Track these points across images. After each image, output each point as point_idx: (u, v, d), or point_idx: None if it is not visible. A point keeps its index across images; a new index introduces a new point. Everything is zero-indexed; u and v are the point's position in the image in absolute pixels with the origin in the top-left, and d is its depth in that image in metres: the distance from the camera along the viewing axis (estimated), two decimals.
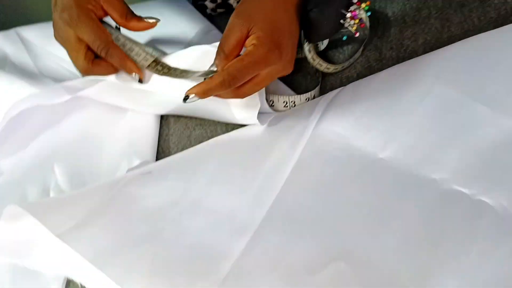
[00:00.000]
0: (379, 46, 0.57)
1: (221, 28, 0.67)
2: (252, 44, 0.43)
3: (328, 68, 0.55)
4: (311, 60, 0.55)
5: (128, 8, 0.49)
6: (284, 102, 0.54)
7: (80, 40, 0.47)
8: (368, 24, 0.57)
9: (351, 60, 0.56)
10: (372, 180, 0.45)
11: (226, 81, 0.42)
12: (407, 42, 0.56)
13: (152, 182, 0.51)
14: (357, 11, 0.49)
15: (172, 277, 0.44)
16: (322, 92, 0.55)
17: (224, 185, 0.49)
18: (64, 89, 0.53)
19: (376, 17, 0.60)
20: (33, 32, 0.68)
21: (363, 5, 0.49)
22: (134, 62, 0.49)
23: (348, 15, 0.48)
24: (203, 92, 0.44)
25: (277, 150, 0.50)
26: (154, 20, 0.49)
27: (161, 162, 0.53)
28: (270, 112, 0.54)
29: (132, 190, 0.50)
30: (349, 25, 0.49)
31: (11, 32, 0.69)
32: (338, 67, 0.55)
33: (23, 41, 0.67)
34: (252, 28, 0.43)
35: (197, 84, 0.44)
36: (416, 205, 0.42)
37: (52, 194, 0.54)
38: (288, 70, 0.47)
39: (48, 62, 0.65)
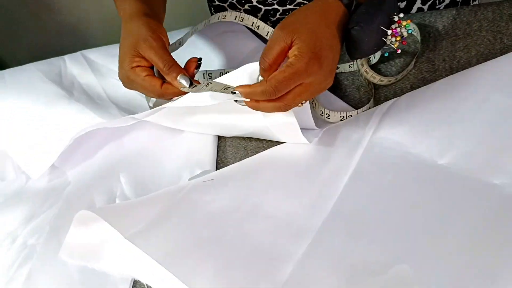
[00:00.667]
0: (432, 58, 0.58)
1: None
2: (294, 55, 0.45)
3: (381, 81, 0.56)
4: (364, 73, 0.57)
5: (167, 59, 0.53)
6: (341, 116, 0.56)
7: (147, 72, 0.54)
8: (419, 37, 0.58)
9: (404, 73, 0.57)
10: (432, 186, 0.45)
11: (268, 91, 0.45)
12: (459, 54, 0.57)
13: (213, 189, 0.53)
14: (398, 29, 0.50)
15: (235, 277, 0.45)
16: (376, 103, 0.57)
17: (281, 192, 0.51)
18: (130, 119, 0.58)
19: (427, 31, 0.61)
20: (97, 53, 0.74)
21: (404, 23, 0.50)
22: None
23: (389, 32, 0.50)
24: (246, 93, 0.46)
25: (334, 158, 0.51)
26: (185, 90, 0.53)
27: (221, 171, 0.56)
28: (322, 125, 0.56)
29: (195, 196, 0.52)
30: (391, 42, 0.50)
31: (77, 54, 0.75)
32: (392, 79, 0.57)
33: (88, 62, 0.72)
34: (295, 39, 0.45)
35: (244, 85, 0.47)
36: (478, 209, 0.43)
37: (118, 202, 0.58)
38: (329, 82, 0.48)
39: (112, 80, 0.69)
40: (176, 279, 0.45)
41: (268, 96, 0.45)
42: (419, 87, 0.56)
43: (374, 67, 0.60)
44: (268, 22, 0.74)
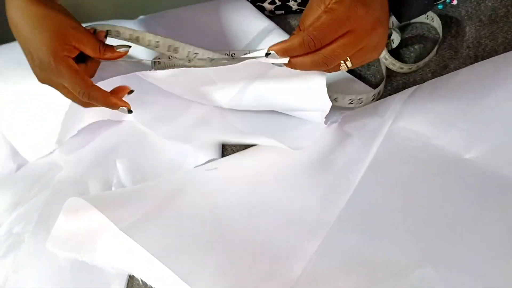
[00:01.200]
0: (454, 44, 0.54)
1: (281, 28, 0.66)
2: (333, 3, 0.38)
3: (401, 68, 0.52)
4: (383, 60, 0.53)
5: (100, 41, 0.48)
6: (350, 100, 0.52)
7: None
8: (440, 23, 0.54)
9: (426, 60, 0.53)
10: (458, 181, 0.42)
11: (306, 40, 0.38)
12: (485, 41, 0.53)
13: (217, 179, 0.49)
14: None
15: (240, 275, 0.41)
16: (395, 90, 0.52)
17: (292, 183, 0.47)
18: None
19: (449, 16, 0.57)
20: None
21: None
22: (118, 98, 0.48)
23: None
24: (282, 51, 0.39)
25: (349, 148, 0.48)
26: (125, 49, 0.48)
27: (226, 159, 0.52)
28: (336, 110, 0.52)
29: (197, 187, 0.48)
30: None
31: None
32: (413, 67, 0.53)
33: None
34: None
35: (278, 42, 0.40)
36: (509, 207, 0.39)
37: (114, 190, 0.53)
38: (380, 34, 0.40)
39: None
40: (175, 275, 0.41)
41: (306, 47, 0.38)
42: (441, 75, 0.52)
43: (393, 53, 0.55)
44: (277, 0, 0.70)
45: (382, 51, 0.42)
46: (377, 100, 0.52)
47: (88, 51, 0.47)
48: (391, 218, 0.42)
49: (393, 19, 0.54)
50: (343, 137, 0.48)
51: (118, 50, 0.48)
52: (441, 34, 0.54)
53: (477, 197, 0.40)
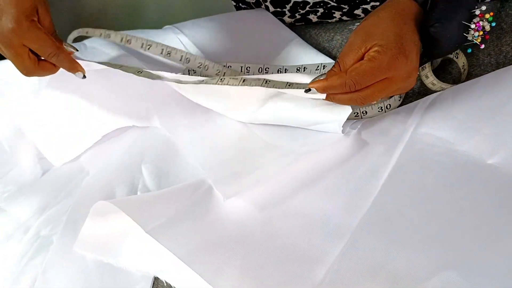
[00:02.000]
0: (476, 52, 0.55)
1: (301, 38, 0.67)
2: (376, 50, 0.41)
3: (442, 88, 0.52)
4: (423, 78, 0.52)
5: (54, 35, 0.49)
6: (379, 108, 0.52)
7: (23, 45, 0.47)
8: (465, 60, 0.54)
9: (463, 77, 0.53)
10: (482, 187, 0.42)
11: (348, 84, 0.42)
12: (506, 48, 0.53)
13: None
14: (480, 23, 0.46)
15: (263, 278, 0.42)
16: (417, 97, 0.53)
17: (315, 188, 0.48)
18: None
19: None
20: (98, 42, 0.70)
21: (487, 15, 0.46)
22: (79, 63, 0.50)
23: (472, 26, 0.46)
24: (323, 88, 0.43)
25: (372, 154, 0.48)
26: (71, 49, 0.50)
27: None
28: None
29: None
30: (473, 37, 0.46)
31: (95, 38, 0.71)
32: (448, 87, 0.52)
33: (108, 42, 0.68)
34: (374, 42, 0.42)
35: (319, 80, 0.43)
36: None
37: (139, 194, 0.54)
38: (413, 80, 0.44)
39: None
40: (199, 277, 0.42)
41: (347, 89, 0.42)
42: (463, 81, 0.52)
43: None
44: (297, 15, 0.71)
45: (412, 87, 0.46)
46: (399, 106, 0.53)
47: (49, 30, 0.48)
48: (414, 223, 0.42)
49: None
50: (365, 143, 0.49)
51: (65, 46, 0.49)
52: (464, 70, 0.53)
53: (501, 202, 0.40)
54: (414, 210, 0.43)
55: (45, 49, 0.48)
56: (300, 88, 0.44)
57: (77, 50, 0.50)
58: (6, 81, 0.62)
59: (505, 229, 0.38)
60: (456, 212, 0.41)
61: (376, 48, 0.41)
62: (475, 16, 0.46)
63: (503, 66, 0.52)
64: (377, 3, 0.64)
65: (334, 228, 0.44)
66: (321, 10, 0.69)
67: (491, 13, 0.46)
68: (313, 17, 0.70)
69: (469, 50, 0.49)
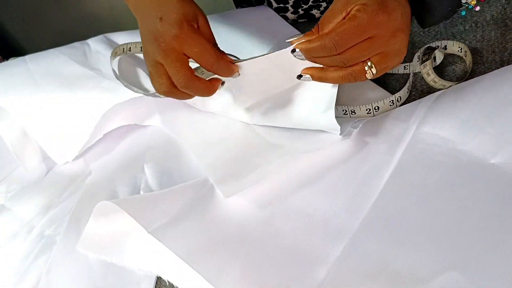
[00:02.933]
0: (480, 49, 0.54)
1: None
2: (356, 9, 0.39)
3: (444, 86, 0.51)
4: (425, 76, 0.51)
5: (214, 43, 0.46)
6: (367, 109, 0.52)
7: (184, 54, 0.44)
8: (471, 59, 0.53)
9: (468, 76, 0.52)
10: (485, 186, 0.41)
11: (327, 45, 0.39)
12: (510, 45, 0.53)
13: None
14: None
15: (264, 278, 0.42)
16: (420, 95, 0.52)
17: (316, 188, 0.47)
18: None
19: (474, 20, 0.57)
20: (121, 36, 0.70)
21: None
22: (235, 65, 0.46)
23: None
24: (305, 49, 0.41)
25: (373, 154, 0.48)
26: (233, 58, 0.46)
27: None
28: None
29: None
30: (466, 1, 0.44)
31: (100, 36, 0.71)
32: (452, 85, 0.51)
33: (111, 43, 0.69)
34: (354, 5, 0.39)
35: (302, 42, 0.41)
36: None
37: (142, 193, 0.55)
38: (399, 43, 0.41)
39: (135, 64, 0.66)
40: (201, 277, 0.42)
41: (327, 51, 0.40)
42: (466, 79, 0.51)
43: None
44: (300, 10, 0.71)
45: (403, 57, 0.42)
46: (399, 106, 0.52)
47: (204, 33, 0.45)
48: (416, 223, 0.41)
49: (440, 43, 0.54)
50: (367, 143, 0.49)
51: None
52: (469, 69, 0.53)
53: (504, 202, 0.40)
54: (416, 210, 0.43)
55: (206, 55, 0.44)
56: (287, 50, 0.42)
57: (238, 58, 0.47)
58: (7, 82, 0.63)
59: (508, 229, 0.38)
60: (459, 212, 0.41)
61: (356, 7, 0.39)
62: None
63: (508, 64, 0.51)
64: None
65: (336, 228, 0.44)
66: (324, 4, 0.68)
67: None
68: (316, 12, 0.69)
69: (463, 13, 0.46)
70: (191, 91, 0.46)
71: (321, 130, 0.50)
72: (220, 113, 0.57)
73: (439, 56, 0.53)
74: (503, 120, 0.44)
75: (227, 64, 0.45)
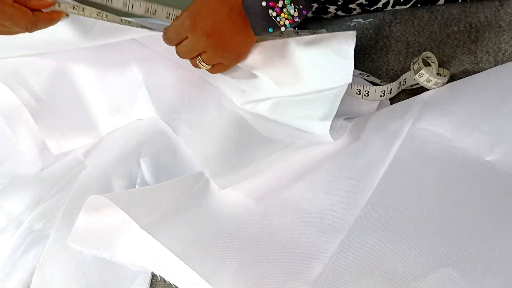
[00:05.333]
0: (474, 49, 0.54)
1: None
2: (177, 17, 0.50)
3: (437, 83, 0.51)
4: (417, 77, 0.51)
5: None
6: (382, 91, 0.53)
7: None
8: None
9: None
10: (480, 183, 0.42)
11: (166, 38, 0.51)
12: (505, 46, 0.53)
13: None
14: (280, 3, 0.47)
15: (260, 274, 0.41)
16: (414, 93, 0.53)
17: (312, 183, 0.47)
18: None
19: (468, 21, 0.57)
20: None
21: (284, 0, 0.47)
22: (56, 14, 0.49)
23: (270, 6, 0.47)
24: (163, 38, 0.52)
25: (369, 149, 0.48)
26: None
27: None
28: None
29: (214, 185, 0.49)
30: (275, 18, 0.47)
31: None
32: (445, 80, 0.51)
33: None
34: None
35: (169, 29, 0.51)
36: None
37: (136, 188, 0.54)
38: (214, 44, 0.49)
39: None
40: (195, 274, 0.41)
41: (167, 42, 0.52)
42: (460, 78, 0.52)
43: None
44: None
45: (236, 57, 0.52)
46: (389, 100, 0.53)
47: None
48: (411, 220, 0.42)
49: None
50: (363, 139, 0.49)
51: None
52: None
53: (499, 199, 0.40)
54: (412, 206, 0.43)
55: (20, 25, 0.46)
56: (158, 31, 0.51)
57: (67, 15, 0.49)
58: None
59: (504, 226, 0.38)
60: (454, 208, 0.41)
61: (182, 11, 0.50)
62: None
63: (502, 64, 0.51)
64: None
65: (331, 224, 0.44)
66: (315, 4, 0.68)
67: None
68: (355, 6, 0.68)
69: (271, 30, 0.48)
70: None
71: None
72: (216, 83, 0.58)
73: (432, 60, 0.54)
74: (498, 118, 0.44)
75: (46, 20, 0.48)
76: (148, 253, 0.46)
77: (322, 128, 0.48)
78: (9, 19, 0.46)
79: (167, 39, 0.51)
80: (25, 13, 0.46)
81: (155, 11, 0.53)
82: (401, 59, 0.57)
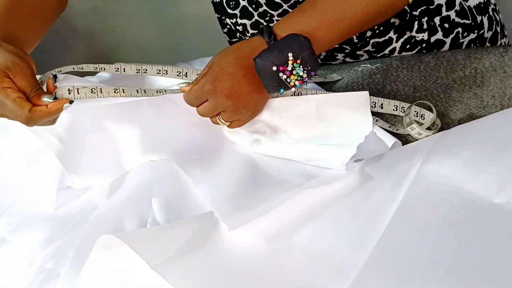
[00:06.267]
0: (480, 94, 0.56)
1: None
2: (198, 77, 0.54)
3: (427, 135, 0.53)
4: (409, 130, 0.54)
5: (35, 85, 0.51)
6: (394, 106, 0.57)
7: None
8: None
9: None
10: (488, 226, 0.42)
11: (185, 99, 0.55)
12: (510, 91, 0.55)
13: None
14: (288, 67, 0.51)
15: None
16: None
17: (320, 224, 0.48)
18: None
19: (473, 67, 0.59)
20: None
21: (298, 61, 0.50)
22: (57, 104, 0.51)
23: (281, 69, 0.51)
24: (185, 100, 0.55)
25: (378, 190, 0.48)
26: (48, 100, 0.51)
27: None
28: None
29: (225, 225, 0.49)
30: (285, 79, 0.51)
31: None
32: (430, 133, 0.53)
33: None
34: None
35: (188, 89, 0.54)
36: None
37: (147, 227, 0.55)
38: (232, 104, 0.53)
39: None
40: None
41: (189, 104, 0.55)
42: (467, 122, 0.53)
43: None
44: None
45: (253, 113, 0.56)
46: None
47: (24, 90, 0.50)
48: (421, 263, 0.41)
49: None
50: (371, 179, 0.49)
51: (43, 99, 0.50)
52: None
53: (507, 241, 0.40)
54: (421, 248, 0.43)
55: (15, 117, 0.50)
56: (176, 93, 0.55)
57: (71, 102, 0.51)
58: None
59: (511, 270, 0.38)
60: (463, 250, 0.41)
61: (200, 76, 0.53)
62: (288, 59, 0.51)
63: (507, 108, 0.53)
64: (379, 39, 0.66)
65: (340, 265, 0.44)
66: (323, 53, 0.71)
67: (298, 60, 0.50)
68: (362, 52, 0.71)
69: (282, 91, 0.52)
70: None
71: (326, 168, 0.51)
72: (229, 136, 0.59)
73: (428, 115, 0.55)
74: (505, 161, 0.45)
75: (43, 113, 0.50)
76: None
77: (343, 155, 0.49)
78: (8, 114, 0.51)
79: (188, 102, 0.55)
80: (22, 109, 0.49)
81: (166, 71, 0.59)
82: (409, 103, 0.59)
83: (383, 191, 0.48)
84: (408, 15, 0.66)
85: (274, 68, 0.51)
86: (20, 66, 0.50)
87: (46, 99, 0.50)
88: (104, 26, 1.56)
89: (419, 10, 0.66)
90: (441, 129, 0.54)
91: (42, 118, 0.51)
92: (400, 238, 0.44)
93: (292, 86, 0.52)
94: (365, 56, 0.70)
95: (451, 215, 0.44)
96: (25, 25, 0.59)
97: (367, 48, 0.68)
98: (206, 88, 0.52)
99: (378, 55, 0.69)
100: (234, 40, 0.80)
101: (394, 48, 0.68)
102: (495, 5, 0.74)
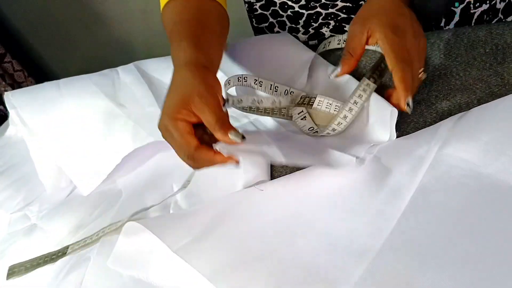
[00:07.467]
0: (501, 71, 0.54)
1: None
2: (379, 41, 0.50)
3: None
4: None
5: (219, 118, 0.48)
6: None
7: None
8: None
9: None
10: (508, 210, 0.41)
11: (406, 61, 0.50)
12: None
13: (263, 202, 0.51)
14: None
15: None
16: (441, 117, 0.53)
17: (337, 208, 0.48)
18: None
19: (495, 43, 0.57)
20: (149, 64, 0.74)
21: None
22: (222, 157, 0.49)
23: None
24: (402, 79, 0.50)
25: (395, 175, 0.48)
26: (236, 138, 0.47)
27: (274, 182, 0.54)
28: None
29: (245, 208, 0.51)
30: None
31: (130, 65, 0.75)
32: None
33: (141, 72, 0.72)
34: (370, 27, 0.51)
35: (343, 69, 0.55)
36: None
37: (172, 212, 0.57)
38: (419, 37, 0.51)
39: (163, 90, 0.69)
40: None
41: (409, 67, 0.50)
42: (487, 101, 0.52)
43: None
44: (311, 29, 0.73)
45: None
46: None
47: (206, 123, 0.48)
48: (438, 245, 0.42)
49: None
50: (389, 164, 0.49)
51: (231, 136, 0.47)
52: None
53: None
54: (439, 232, 0.43)
55: (179, 150, 0.49)
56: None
57: (244, 138, 0.48)
58: (40, 107, 0.66)
59: None
60: (482, 235, 0.41)
61: (377, 37, 0.50)
62: None
63: None
64: None
65: (357, 248, 0.44)
66: (332, 22, 0.70)
67: None
68: (325, 31, 0.71)
69: (457, 4, 0.52)
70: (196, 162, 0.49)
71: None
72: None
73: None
74: None
75: (207, 157, 0.49)
76: (180, 274, 0.48)
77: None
78: (173, 144, 0.49)
79: (411, 60, 0.51)
80: (188, 144, 0.48)
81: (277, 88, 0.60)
82: (427, 82, 0.58)
83: (401, 175, 0.48)
84: None
85: None
86: (205, 99, 0.48)
87: (233, 137, 0.47)
88: (124, 10, 1.57)
89: None
90: (460, 110, 0.53)
91: (205, 164, 0.49)
92: (417, 223, 0.44)
93: None
94: None
95: (470, 200, 0.43)
96: (211, 49, 0.56)
97: None
98: (396, 35, 0.50)
99: None
100: (261, 25, 0.79)
101: None
102: None
